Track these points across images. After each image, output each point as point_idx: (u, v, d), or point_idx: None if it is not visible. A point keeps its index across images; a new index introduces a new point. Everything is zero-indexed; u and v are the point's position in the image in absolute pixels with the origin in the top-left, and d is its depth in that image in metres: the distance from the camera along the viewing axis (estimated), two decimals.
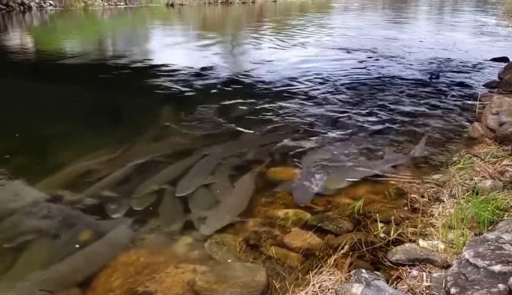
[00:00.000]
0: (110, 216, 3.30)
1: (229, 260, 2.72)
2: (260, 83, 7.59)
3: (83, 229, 3.13)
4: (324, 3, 34.66)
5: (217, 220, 3.17)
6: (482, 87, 6.97)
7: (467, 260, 2.05)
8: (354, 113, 5.78)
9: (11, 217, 3.23)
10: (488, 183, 3.34)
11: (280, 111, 5.81)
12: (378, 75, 8.28)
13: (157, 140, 4.95)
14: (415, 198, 3.39)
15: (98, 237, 3.02)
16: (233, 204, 3.48)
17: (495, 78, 7.61)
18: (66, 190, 3.63)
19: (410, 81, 7.68)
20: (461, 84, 7.40)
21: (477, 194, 3.19)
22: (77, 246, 2.92)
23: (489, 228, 2.71)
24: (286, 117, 5.62)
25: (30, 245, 2.91)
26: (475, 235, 2.67)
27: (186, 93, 6.86)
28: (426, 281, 2.23)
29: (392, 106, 6.08)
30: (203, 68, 8.55)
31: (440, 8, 31.67)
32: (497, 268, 1.94)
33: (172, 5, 24.78)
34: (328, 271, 2.45)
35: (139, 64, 9.22)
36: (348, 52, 10.77)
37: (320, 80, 7.65)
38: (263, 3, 30.33)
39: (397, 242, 2.80)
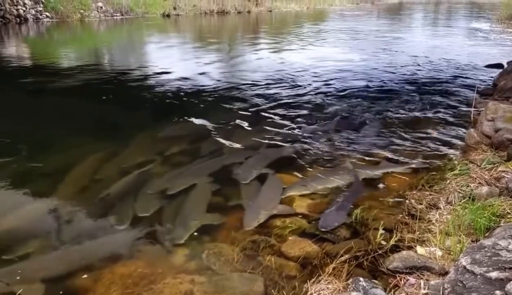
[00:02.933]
0: (110, 223, 3.33)
1: (226, 271, 2.71)
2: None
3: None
4: (320, 12, 34.90)
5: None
6: (477, 93, 7.01)
7: (464, 267, 2.05)
8: (349, 119, 5.88)
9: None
10: (485, 189, 3.35)
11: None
12: (368, 83, 8.35)
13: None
14: (412, 204, 3.40)
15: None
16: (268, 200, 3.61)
17: (490, 84, 7.66)
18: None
19: (404, 89, 7.72)
20: (456, 91, 7.45)
21: (473, 200, 3.19)
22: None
23: (486, 234, 2.72)
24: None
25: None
26: (472, 241, 2.67)
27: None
28: (424, 289, 2.23)
29: (387, 114, 6.10)
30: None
31: (434, 15, 31.94)
32: (494, 274, 1.95)
33: (168, 15, 24.83)
34: (326, 280, 2.44)
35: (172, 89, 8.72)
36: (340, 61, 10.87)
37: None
38: (259, 13, 30.46)
39: (396, 249, 2.80)
